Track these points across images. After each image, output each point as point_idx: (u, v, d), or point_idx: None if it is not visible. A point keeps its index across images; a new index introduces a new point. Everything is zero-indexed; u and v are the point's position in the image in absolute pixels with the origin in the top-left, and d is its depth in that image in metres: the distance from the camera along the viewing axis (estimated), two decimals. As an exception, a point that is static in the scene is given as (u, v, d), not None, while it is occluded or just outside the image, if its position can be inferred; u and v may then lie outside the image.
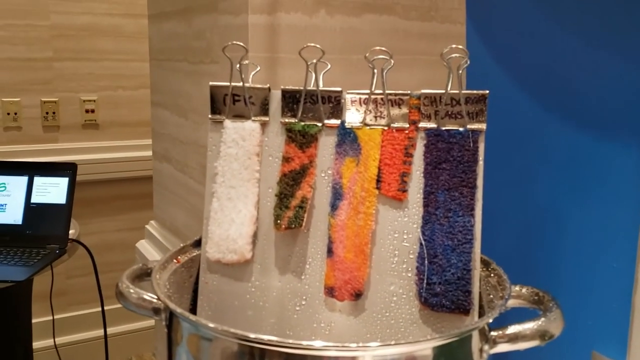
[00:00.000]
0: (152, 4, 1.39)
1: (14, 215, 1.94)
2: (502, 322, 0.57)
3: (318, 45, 0.67)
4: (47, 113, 2.67)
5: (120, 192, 2.83)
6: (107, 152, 2.76)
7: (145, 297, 0.61)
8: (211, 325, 0.52)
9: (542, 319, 0.57)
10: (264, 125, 0.70)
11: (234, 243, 0.68)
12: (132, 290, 0.63)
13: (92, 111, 2.75)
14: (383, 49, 0.65)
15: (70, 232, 1.93)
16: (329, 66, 0.69)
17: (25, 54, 2.62)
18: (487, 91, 0.62)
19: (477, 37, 0.82)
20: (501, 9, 0.80)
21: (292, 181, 0.68)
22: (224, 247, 0.69)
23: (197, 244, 0.72)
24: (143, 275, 0.67)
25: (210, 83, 0.71)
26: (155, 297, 0.61)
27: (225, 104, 0.70)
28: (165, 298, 0.56)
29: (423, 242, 0.64)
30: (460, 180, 0.64)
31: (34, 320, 2.08)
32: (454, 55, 0.62)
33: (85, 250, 1.92)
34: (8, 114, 2.63)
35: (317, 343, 0.50)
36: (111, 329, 2.13)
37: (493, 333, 0.56)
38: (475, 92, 0.63)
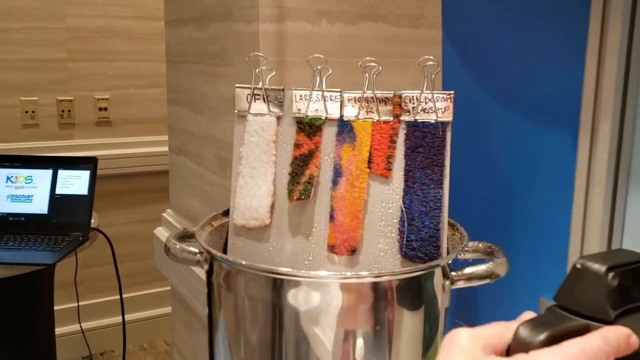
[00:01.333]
0: (168, 10, 1.53)
1: (40, 205, 2.12)
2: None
3: (321, 56, 0.87)
4: (62, 111, 2.81)
5: (132, 186, 2.98)
6: (120, 148, 2.90)
7: (190, 250, 0.81)
8: (243, 262, 0.72)
9: (491, 263, 0.76)
10: (279, 118, 0.89)
11: (255, 212, 0.88)
12: (178, 246, 0.83)
13: (105, 109, 2.89)
14: (372, 58, 0.84)
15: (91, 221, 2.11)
16: (330, 71, 0.88)
17: (42, 55, 2.76)
18: (453, 92, 0.81)
19: (449, 44, 1.02)
20: (470, 23, 1.00)
21: (302, 162, 0.88)
22: (248, 215, 0.88)
23: (226, 213, 0.92)
24: (185, 237, 0.87)
25: (236, 85, 0.90)
26: (197, 250, 0.81)
27: (247, 101, 0.89)
28: (209, 247, 0.76)
29: (404, 209, 0.84)
30: (432, 161, 0.83)
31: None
32: (429, 63, 0.82)
33: (105, 238, 2.12)
34: (26, 112, 2.77)
35: (322, 273, 0.70)
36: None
37: (453, 273, 0.76)
38: (444, 92, 0.82)
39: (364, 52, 0.84)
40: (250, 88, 0.88)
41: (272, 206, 0.87)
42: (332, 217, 0.85)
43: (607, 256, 0.60)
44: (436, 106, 0.81)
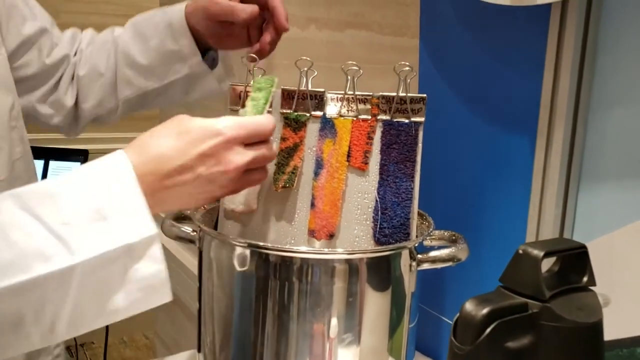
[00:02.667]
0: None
1: (31, 194, 2.18)
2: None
3: (308, 58, 0.96)
4: (54, 104, 2.87)
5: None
6: (113, 143, 2.95)
7: (184, 229, 0.90)
8: (231, 237, 0.82)
9: (454, 248, 0.86)
10: (268, 114, 0.99)
11: (244, 198, 0.97)
12: (174, 226, 0.92)
13: (97, 103, 2.94)
14: (354, 62, 0.93)
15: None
16: (316, 73, 0.97)
17: (36, 48, 2.82)
18: (425, 95, 0.91)
19: (426, 52, 1.12)
20: (444, 33, 1.09)
21: (287, 154, 0.97)
22: (237, 201, 0.96)
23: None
24: (179, 219, 0.96)
25: (230, 84, 0.99)
26: (190, 229, 0.91)
27: (240, 98, 0.99)
28: (203, 226, 0.86)
29: (378, 199, 0.93)
30: (405, 156, 0.92)
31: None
32: (405, 69, 0.91)
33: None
34: (21, 105, 2.82)
35: (302, 248, 0.80)
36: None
37: (419, 256, 0.86)
38: (417, 95, 0.92)
39: (349, 58, 0.92)
40: (242, 86, 0.97)
41: (259, 193, 0.96)
42: (313, 205, 0.94)
43: (546, 243, 0.70)
44: (410, 108, 0.91)
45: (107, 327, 2.37)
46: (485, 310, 0.64)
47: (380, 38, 1.25)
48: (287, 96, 0.94)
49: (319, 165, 0.93)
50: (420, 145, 0.90)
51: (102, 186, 0.67)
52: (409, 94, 0.90)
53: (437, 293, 1.09)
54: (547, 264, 0.70)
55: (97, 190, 0.67)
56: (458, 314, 0.66)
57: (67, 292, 0.64)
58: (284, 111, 0.95)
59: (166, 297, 0.72)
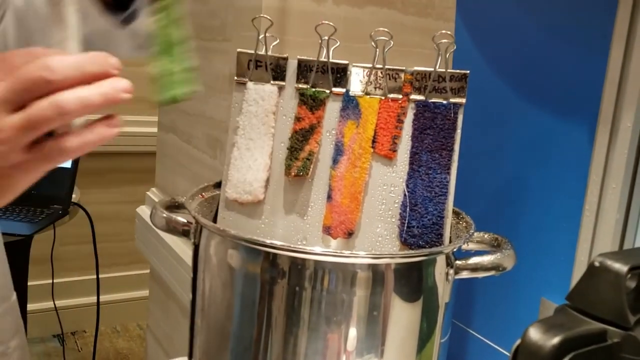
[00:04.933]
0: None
1: (20, 174, 2.06)
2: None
3: (331, 23, 0.82)
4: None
5: (116, 165, 2.93)
6: None
7: (178, 219, 0.77)
8: (234, 233, 0.67)
9: (498, 254, 0.72)
10: (280, 89, 0.85)
11: (249, 186, 0.83)
12: (165, 215, 0.78)
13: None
14: (385, 29, 0.80)
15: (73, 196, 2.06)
16: (338, 43, 0.84)
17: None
18: (468, 71, 0.77)
19: (465, 31, 0.98)
20: (485, 9, 0.96)
21: (302, 137, 0.83)
22: (241, 189, 0.84)
23: (218, 185, 0.87)
24: (172, 207, 0.82)
25: (238, 50, 0.85)
26: (184, 220, 0.77)
27: (249, 68, 0.85)
28: (199, 216, 0.72)
29: (407, 193, 0.79)
30: (441, 144, 0.79)
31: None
32: (443, 40, 0.78)
33: (86, 214, 2.06)
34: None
35: (317, 249, 0.65)
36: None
37: (458, 262, 0.72)
38: (458, 71, 0.78)
39: (367, 38, 0.79)
40: (252, 54, 0.83)
41: (267, 181, 0.83)
42: (329, 197, 0.81)
43: (628, 255, 0.57)
44: (449, 86, 0.77)
45: (98, 315, 2.26)
46: (556, 340, 0.51)
47: (403, 17, 1.13)
48: (304, 68, 0.81)
49: (338, 151, 0.80)
50: (459, 131, 0.77)
51: None
52: (448, 70, 0.75)
53: (468, 305, 0.95)
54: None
55: None
56: (519, 341, 0.52)
57: None
58: (300, 86, 0.81)
59: None
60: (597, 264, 0.55)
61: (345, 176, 0.81)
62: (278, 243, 0.65)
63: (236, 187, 0.83)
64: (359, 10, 1.10)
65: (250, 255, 0.68)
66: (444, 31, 0.75)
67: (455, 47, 0.76)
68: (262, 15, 0.83)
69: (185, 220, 0.77)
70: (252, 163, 0.83)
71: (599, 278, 0.55)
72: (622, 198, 0.77)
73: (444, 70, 0.77)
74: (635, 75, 0.73)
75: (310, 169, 0.81)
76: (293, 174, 0.81)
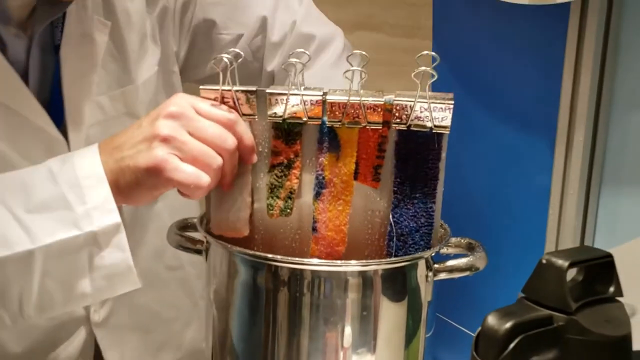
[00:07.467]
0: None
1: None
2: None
3: (302, 50, 0.82)
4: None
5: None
6: None
7: (189, 238, 0.91)
8: (236, 248, 0.81)
9: (471, 257, 0.89)
10: (252, 123, 0.82)
11: (233, 225, 0.90)
12: (179, 236, 0.92)
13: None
14: (362, 52, 0.80)
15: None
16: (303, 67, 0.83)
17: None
18: (452, 102, 0.79)
19: (439, 52, 1.02)
20: (458, 33, 1.08)
21: (280, 172, 0.85)
22: (224, 227, 0.91)
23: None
24: (185, 228, 0.95)
25: (200, 87, 0.81)
26: (196, 238, 0.90)
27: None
28: (210, 237, 0.86)
29: (392, 223, 0.83)
30: (425, 174, 0.82)
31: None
32: (422, 68, 0.78)
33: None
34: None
35: (314, 260, 0.83)
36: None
37: (436, 265, 0.88)
38: (441, 101, 0.79)
39: (356, 62, 0.81)
40: (217, 90, 0.78)
41: (251, 216, 0.91)
42: (315, 230, 0.88)
43: (570, 253, 0.69)
44: (432, 116, 0.78)
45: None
46: (508, 324, 0.64)
47: (391, 40, 1.25)
48: (276, 101, 0.78)
49: (320, 185, 0.86)
50: (443, 160, 0.79)
51: (70, 176, 0.75)
52: (431, 101, 0.77)
53: (453, 302, 1.13)
54: (570, 274, 0.72)
55: (65, 180, 0.75)
56: (480, 328, 0.60)
57: (30, 276, 0.74)
58: (272, 118, 0.78)
59: (133, 284, 0.80)
60: (544, 261, 0.70)
61: (329, 209, 0.88)
62: (279, 257, 0.82)
63: (220, 226, 0.91)
64: (348, 35, 1.16)
65: (256, 268, 0.83)
66: (424, 68, 0.75)
67: (436, 77, 0.76)
68: (234, 49, 0.79)
69: (197, 239, 0.92)
70: (232, 204, 0.85)
71: (546, 273, 0.68)
72: (580, 202, 0.90)
73: (426, 101, 0.77)
74: (583, 97, 0.89)
75: (293, 208, 0.91)
76: (276, 214, 0.82)
